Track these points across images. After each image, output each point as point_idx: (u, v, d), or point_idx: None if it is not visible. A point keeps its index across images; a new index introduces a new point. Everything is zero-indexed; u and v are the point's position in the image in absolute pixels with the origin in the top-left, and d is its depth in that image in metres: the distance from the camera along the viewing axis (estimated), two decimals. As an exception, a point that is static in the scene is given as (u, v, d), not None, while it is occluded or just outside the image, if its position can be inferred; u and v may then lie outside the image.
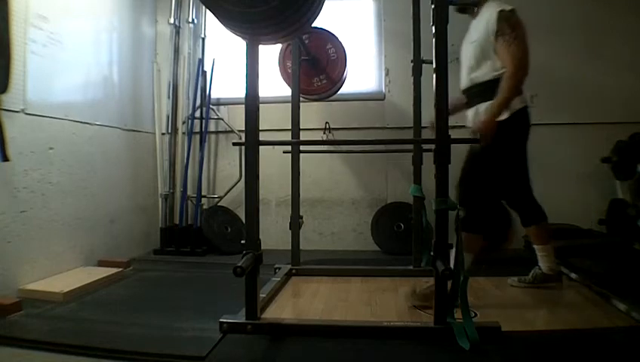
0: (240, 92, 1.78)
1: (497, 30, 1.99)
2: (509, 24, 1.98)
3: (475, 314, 1.86)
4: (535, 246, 2.28)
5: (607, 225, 3.13)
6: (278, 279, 2.36)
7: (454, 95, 1.89)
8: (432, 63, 1.72)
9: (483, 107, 2.06)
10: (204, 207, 3.57)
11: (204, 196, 3.60)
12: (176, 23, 3.58)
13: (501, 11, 2.00)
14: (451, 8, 1.86)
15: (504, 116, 2.00)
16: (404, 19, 2.70)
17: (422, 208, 2.54)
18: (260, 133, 1.79)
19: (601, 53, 3.32)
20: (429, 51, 1.77)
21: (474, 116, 2.13)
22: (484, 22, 2.06)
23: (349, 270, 2.59)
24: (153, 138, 3.60)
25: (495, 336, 1.63)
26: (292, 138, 2.67)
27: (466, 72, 2.17)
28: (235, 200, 3.63)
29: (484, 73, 2.07)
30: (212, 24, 3.63)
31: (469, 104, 2.18)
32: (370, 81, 3.68)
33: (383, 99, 3.59)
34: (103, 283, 2.47)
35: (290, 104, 2.68)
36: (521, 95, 2.08)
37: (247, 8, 1.52)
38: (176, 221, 3.51)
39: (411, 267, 2.53)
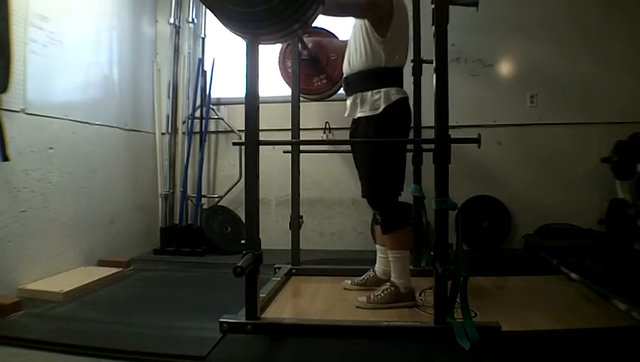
0: (240, 92, 1.78)
1: None
2: None
3: (475, 314, 1.86)
4: (387, 251, 2.14)
5: (607, 225, 3.13)
6: (278, 279, 2.36)
7: (456, 95, 1.87)
8: (432, 63, 1.72)
9: (359, 97, 2.06)
10: (204, 206, 3.57)
11: (204, 196, 3.60)
12: (176, 22, 3.58)
13: None
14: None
15: (379, 109, 1.98)
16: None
17: (422, 208, 2.56)
18: (260, 133, 1.79)
19: (601, 53, 3.32)
20: (430, 51, 1.78)
21: (352, 106, 2.11)
22: None
23: (349, 270, 2.59)
24: (153, 138, 3.59)
25: (495, 336, 1.63)
26: (292, 138, 2.66)
27: (347, 59, 2.13)
28: (235, 200, 3.63)
29: (361, 62, 2.04)
30: (212, 24, 3.63)
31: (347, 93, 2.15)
32: (370, 81, 3.67)
33: (383, 99, 3.58)
34: (103, 283, 2.47)
35: (290, 104, 2.68)
36: (399, 86, 2.03)
37: (247, 8, 1.52)
38: (176, 221, 3.51)
39: (411, 267, 2.52)
